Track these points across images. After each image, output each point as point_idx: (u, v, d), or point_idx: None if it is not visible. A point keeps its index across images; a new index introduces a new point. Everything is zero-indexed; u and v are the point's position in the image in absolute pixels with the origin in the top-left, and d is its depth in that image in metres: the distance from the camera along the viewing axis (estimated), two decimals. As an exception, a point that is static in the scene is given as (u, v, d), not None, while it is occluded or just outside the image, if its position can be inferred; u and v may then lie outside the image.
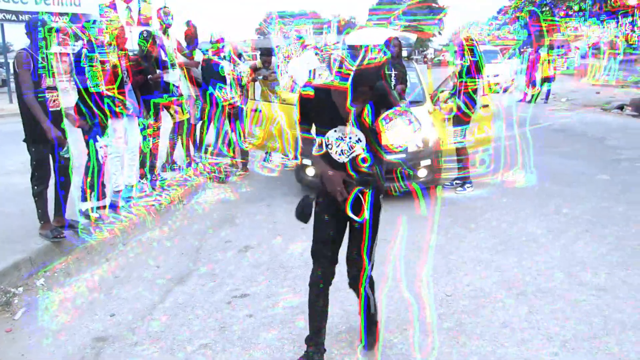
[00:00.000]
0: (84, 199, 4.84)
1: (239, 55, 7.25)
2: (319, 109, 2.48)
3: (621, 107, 12.85)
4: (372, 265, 2.67)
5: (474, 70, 5.82)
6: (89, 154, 4.76)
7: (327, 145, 2.49)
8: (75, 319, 3.43)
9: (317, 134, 2.55)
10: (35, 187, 4.23)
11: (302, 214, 2.62)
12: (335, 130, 2.46)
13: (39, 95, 4.10)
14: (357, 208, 2.51)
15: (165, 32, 6.58)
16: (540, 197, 5.81)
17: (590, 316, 3.27)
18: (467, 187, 6.07)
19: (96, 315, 3.47)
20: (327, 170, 2.47)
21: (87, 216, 4.81)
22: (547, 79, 15.39)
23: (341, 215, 2.55)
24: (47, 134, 4.08)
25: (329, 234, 2.62)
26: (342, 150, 2.47)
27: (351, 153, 2.46)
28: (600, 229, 4.77)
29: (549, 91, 15.51)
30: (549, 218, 5.13)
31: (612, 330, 3.11)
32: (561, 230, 4.78)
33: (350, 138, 2.44)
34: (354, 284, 2.70)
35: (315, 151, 2.51)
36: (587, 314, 3.31)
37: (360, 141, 2.45)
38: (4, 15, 14.55)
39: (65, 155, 4.35)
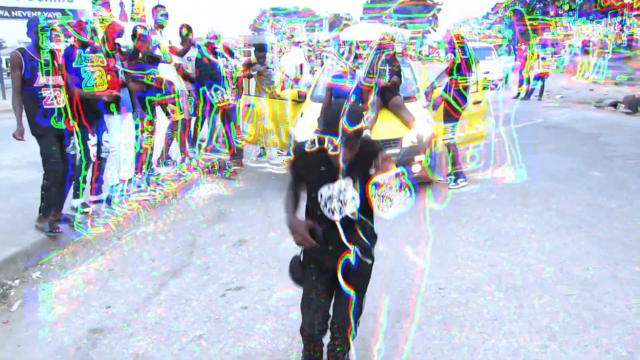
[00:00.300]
0: (76, 195, 4.85)
1: (230, 52, 7.27)
2: (311, 166, 2.41)
3: (615, 105, 12.96)
4: (358, 322, 2.57)
5: (464, 67, 5.88)
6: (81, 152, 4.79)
7: (319, 203, 2.41)
8: (71, 310, 3.46)
9: (308, 192, 2.48)
10: (45, 181, 4.27)
11: (293, 277, 2.59)
12: (328, 188, 2.37)
13: (34, 93, 4.12)
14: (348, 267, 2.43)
15: (160, 29, 6.55)
16: (531, 194, 5.88)
17: (579, 310, 3.33)
18: (460, 182, 6.12)
19: (92, 307, 3.50)
20: (292, 218, 2.40)
21: (82, 212, 4.83)
22: (540, 76, 15.51)
23: (329, 271, 2.48)
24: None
25: (316, 293, 2.52)
26: (334, 208, 2.38)
27: (343, 211, 2.38)
28: (591, 225, 4.84)
29: (542, 88, 15.63)
30: (540, 214, 5.20)
31: (600, 323, 3.17)
32: (552, 226, 4.84)
33: (343, 196, 2.37)
34: (334, 333, 2.56)
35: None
36: (576, 307, 3.36)
37: (354, 199, 2.37)
38: (-4, 12, 14.41)
39: (72, 152, 4.39)
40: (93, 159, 4.79)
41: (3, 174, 6.44)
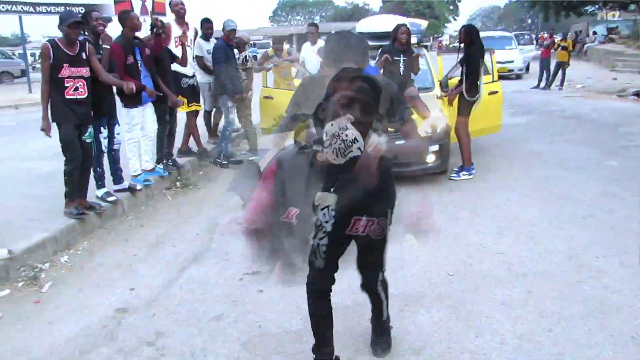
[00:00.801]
0: (99, 185, 5.05)
1: (245, 43, 7.39)
2: (316, 95, 2.24)
3: (638, 94, 12.75)
4: (384, 268, 2.60)
5: (476, 57, 5.89)
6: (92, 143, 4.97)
7: (323, 142, 2.19)
8: (97, 292, 3.66)
9: (315, 126, 2.35)
10: (66, 167, 4.47)
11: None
12: (331, 125, 2.14)
13: (59, 83, 4.31)
14: (361, 209, 2.35)
15: (182, 21, 6.67)
16: (546, 182, 5.90)
17: (586, 296, 3.39)
18: (463, 175, 6.10)
19: (117, 289, 3.69)
20: None
21: (106, 201, 5.03)
22: (562, 64, 15.32)
23: (342, 226, 2.39)
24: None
25: (324, 247, 2.43)
26: (338, 149, 2.13)
27: (348, 153, 2.14)
28: (604, 214, 4.86)
29: (563, 77, 15.44)
30: (553, 202, 5.24)
31: (606, 309, 3.22)
32: (564, 215, 4.88)
33: (346, 136, 2.12)
34: (365, 287, 2.62)
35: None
36: (584, 294, 3.42)
37: (357, 141, 2.12)
38: (21, 7, 14.72)
39: (88, 140, 4.58)
40: (104, 150, 4.96)
41: (31, 164, 6.71)
